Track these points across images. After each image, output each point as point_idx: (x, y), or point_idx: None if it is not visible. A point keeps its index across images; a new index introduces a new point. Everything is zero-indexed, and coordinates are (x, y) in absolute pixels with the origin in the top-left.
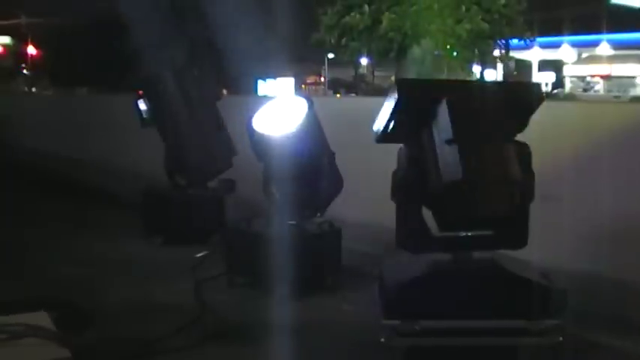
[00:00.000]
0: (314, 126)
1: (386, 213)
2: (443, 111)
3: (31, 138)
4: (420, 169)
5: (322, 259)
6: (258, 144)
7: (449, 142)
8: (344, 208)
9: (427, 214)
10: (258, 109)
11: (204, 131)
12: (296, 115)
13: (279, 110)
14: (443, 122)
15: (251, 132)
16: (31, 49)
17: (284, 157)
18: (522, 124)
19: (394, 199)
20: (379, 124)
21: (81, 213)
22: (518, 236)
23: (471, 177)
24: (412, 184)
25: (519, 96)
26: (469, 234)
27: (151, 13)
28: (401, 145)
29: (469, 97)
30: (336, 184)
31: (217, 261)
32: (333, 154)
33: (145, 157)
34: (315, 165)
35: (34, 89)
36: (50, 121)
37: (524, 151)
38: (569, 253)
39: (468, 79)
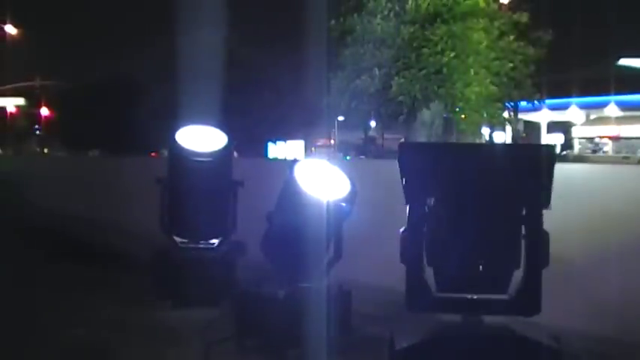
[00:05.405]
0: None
1: (397, 275)
2: (444, 174)
3: (42, 198)
4: (424, 229)
5: (331, 321)
6: (298, 202)
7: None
8: (354, 270)
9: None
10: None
11: (217, 193)
12: (343, 185)
13: (327, 176)
14: (445, 185)
15: (293, 188)
16: (45, 111)
17: (319, 220)
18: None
19: (402, 259)
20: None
21: (92, 274)
22: (531, 302)
23: (469, 239)
24: (415, 244)
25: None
26: (476, 297)
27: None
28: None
29: (472, 161)
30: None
31: (227, 324)
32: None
33: (156, 219)
34: (337, 232)
35: (46, 150)
36: (64, 182)
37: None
38: (580, 315)
39: (477, 141)
